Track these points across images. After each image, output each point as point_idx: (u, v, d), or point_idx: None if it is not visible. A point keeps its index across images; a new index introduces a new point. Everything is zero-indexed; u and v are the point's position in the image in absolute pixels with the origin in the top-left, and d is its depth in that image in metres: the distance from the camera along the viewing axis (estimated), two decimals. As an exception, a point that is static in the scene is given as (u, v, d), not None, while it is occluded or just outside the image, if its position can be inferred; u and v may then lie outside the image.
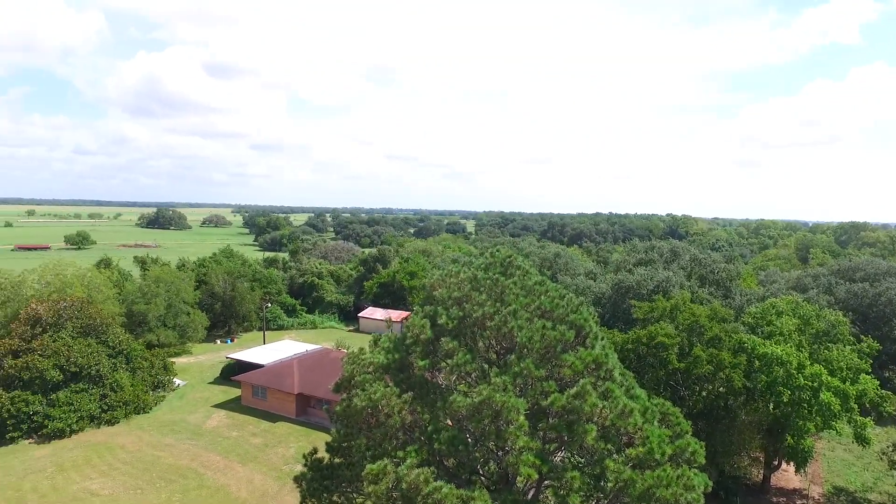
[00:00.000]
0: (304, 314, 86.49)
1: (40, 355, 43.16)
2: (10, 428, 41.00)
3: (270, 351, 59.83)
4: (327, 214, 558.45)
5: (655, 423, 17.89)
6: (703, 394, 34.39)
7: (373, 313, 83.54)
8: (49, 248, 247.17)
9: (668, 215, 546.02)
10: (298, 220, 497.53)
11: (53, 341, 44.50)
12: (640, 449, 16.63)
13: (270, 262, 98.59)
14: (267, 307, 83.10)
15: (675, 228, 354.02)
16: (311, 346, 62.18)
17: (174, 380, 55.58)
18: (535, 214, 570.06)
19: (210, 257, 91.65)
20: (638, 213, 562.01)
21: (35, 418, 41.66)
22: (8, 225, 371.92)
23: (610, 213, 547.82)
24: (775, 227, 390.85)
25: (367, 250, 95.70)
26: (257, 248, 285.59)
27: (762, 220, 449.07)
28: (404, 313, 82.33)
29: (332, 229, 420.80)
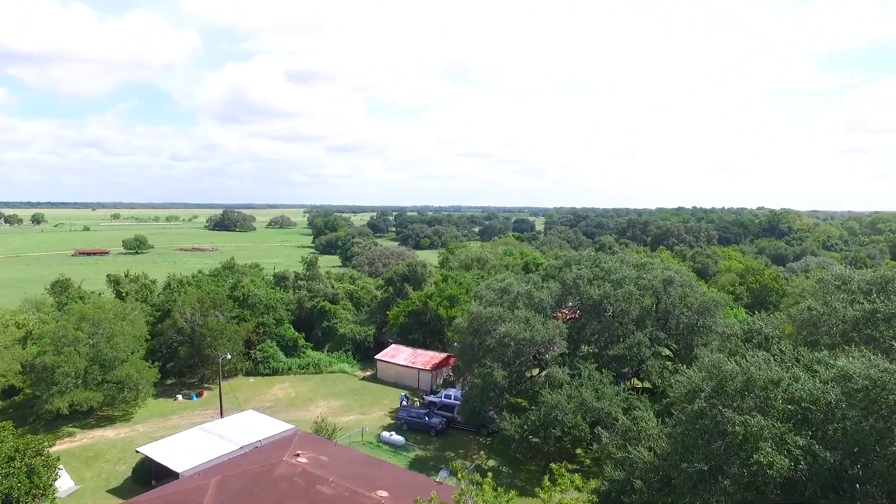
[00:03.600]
0: (308, 351, 65.52)
1: None
2: None
3: (211, 438, 38.68)
4: (392, 214, 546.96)
5: None
6: None
7: (394, 355, 61.14)
8: (108, 252, 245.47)
9: (759, 209, 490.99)
10: (364, 219, 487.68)
11: None
12: None
13: (280, 280, 78.70)
14: (246, 352, 62.81)
15: (776, 224, 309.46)
16: (278, 428, 40.64)
17: (59, 483, 35.34)
18: (611, 210, 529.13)
19: (193, 276, 72.70)
20: (726, 208, 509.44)
21: None
22: (86, 229, 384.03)
23: (694, 207, 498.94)
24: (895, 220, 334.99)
25: (394, 266, 73.06)
26: (314, 250, 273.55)
27: (877, 212, 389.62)
28: (438, 356, 59.40)
29: (393, 229, 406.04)
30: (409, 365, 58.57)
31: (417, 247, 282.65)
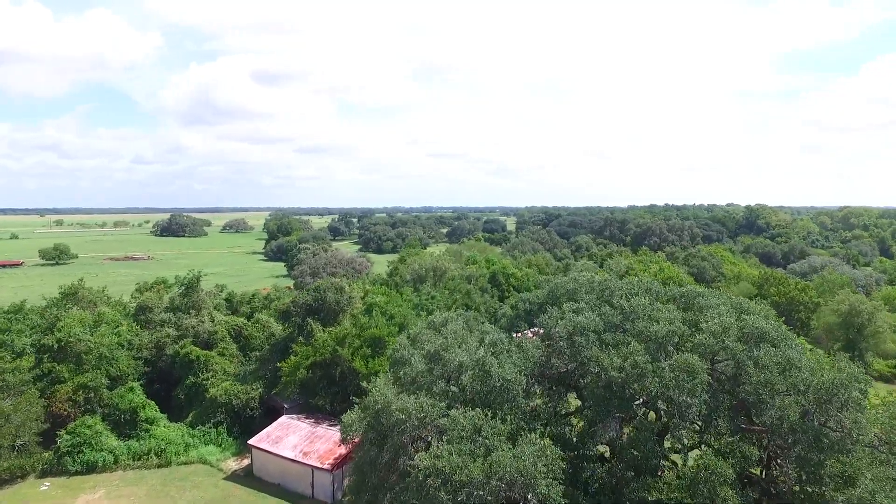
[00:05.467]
0: (156, 428, 42.44)
1: None
2: None
3: None
4: (356, 216, 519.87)
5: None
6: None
7: (281, 437, 38.59)
8: (21, 264, 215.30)
9: (728, 205, 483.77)
10: (327, 222, 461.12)
11: None
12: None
13: (141, 310, 55.13)
14: (55, 434, 39.82)
15: (753, 220, 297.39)
16: None
17: None
18: (582, 209, 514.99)
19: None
20: (697, 204, 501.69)
21: None
22: (13, 237, 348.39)
23: (666, 204, 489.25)
24: (869, 214, 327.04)
25: (299, 293, 50.30)
26: (263, 257, 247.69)
27: (847, 206, 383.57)
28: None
29: (357, 233, 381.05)
30: (300, 460, 36.10)
31: (379, 251, 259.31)
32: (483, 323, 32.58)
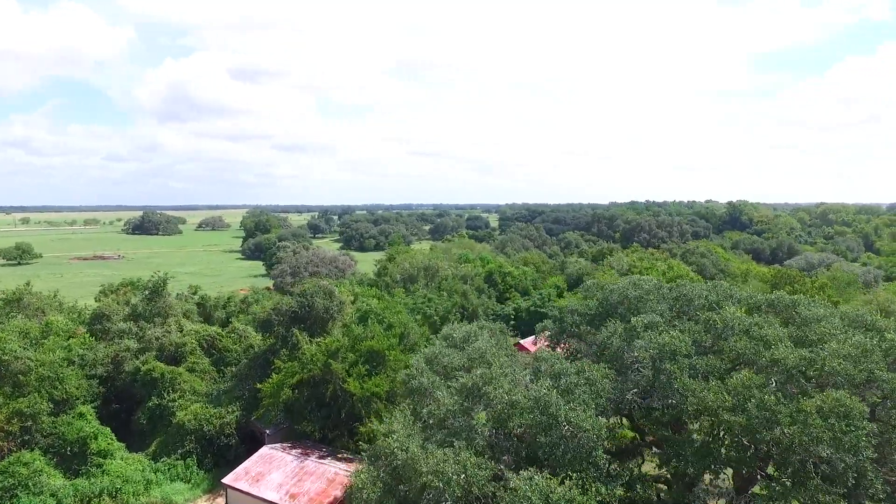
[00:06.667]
0: (111, 461, 35.43)
1: None
2: None
3: None
4: (337, 214, 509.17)
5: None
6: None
7: (262, 475, 31.98)
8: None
9: (707, 202, 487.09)
10: (307, 219, 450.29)
11: None
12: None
13: (98, 318, 47.71)
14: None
15: (737, 217, 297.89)
16: None
17: None
18: (564, 205, 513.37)
19: None
20: (677, 201, 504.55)
21: None
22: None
23: (647, 201, 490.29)
24: (846, 211, 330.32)
25: (282, 299, 43.12)
26: (240, 256, 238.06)
27: (824, 203, 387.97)
28: (344, 479, 30.63)
29: (337, 230, 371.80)
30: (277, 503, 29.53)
31: (361, 248, 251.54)
32: (511, 336, 26.51)
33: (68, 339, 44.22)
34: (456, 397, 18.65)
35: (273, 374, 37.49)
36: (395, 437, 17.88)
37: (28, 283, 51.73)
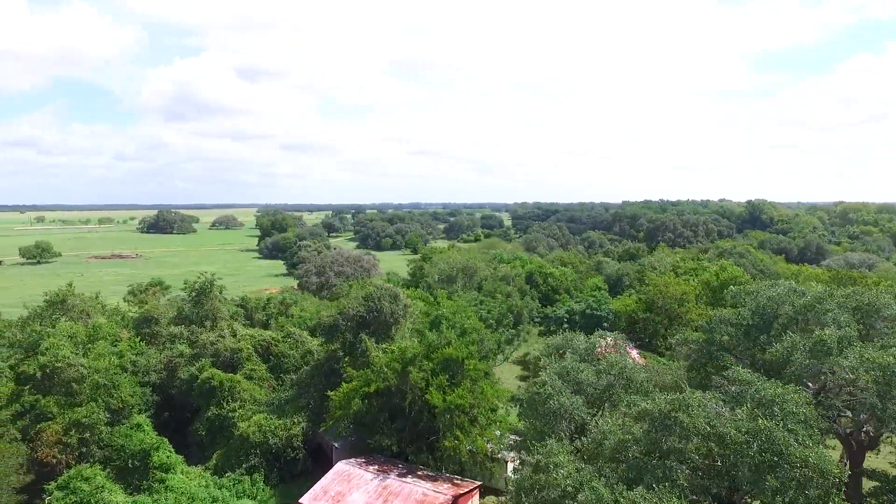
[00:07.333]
0: (173, 475, 33.11)
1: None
2: None
3: None
4: (349, 213, 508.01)
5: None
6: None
7: (342, 495, 29.59)
8: (0, 262, 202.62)
9: (721, 201, 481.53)
10: (319, 219, 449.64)
11: None
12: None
13: (146, 321, 45.44)
14: (38, 488, 30.47)
15: (757, 216, 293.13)
16: None
17: None
18: (576, 204, 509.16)
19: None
20: (690, 200, 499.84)
21: None
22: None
23: (661, 200, 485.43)
24: (867, 210, 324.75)
25: (347, 301, 40.40)
26: (257, 255, 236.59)
27: (842, 202, 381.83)
28: (437, 497, 28.16)
29: (351, 229, 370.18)
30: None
31: (378, 248, 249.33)
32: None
33: (115, 344, 42.07)
34: (642, 425, 15.98)
35: (343, 383, 35.03)
36: (561, 471, 15.27)
37: (70, 284, 49.61)
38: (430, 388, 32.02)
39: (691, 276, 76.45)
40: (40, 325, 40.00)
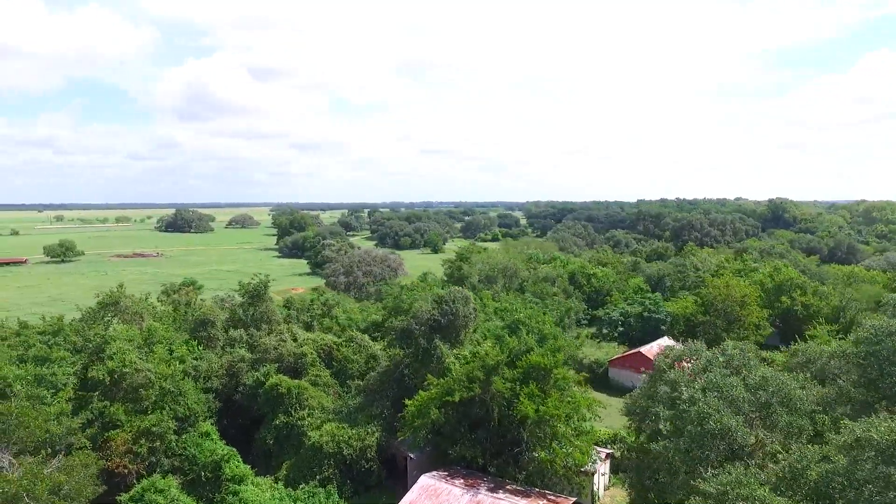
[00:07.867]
0: (245, 487, 31.67)
1: None
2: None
3: None
4: (365, 211, 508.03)
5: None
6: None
7: (433, 512, 27.77)
8: (25, 261, 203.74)
9: (737, 199, 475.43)
10: (334, 217, 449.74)
11: None
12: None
13: (202, 325, 44.07)
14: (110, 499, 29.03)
15: (780, 215, 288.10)
16: None
17: None
18: (590, 203, 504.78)
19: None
20: (707, 199, 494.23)
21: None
22: (14, 233, 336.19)
23: (678, 198, 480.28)
24: (891, 208, 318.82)
25: (420, 304, 38.65)
26: (276, 254, 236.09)
27: (865, 200, 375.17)
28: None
29: (367, 227, 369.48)
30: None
31: (397, 247, 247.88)
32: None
33: (171, 349, 40.75)
34: (858, 455, 14.12)
35: (419, 392, 33.35)
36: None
37: (121, 285, 48.42)
38: (521, 398, 30.25)
39: (742, 277, 73.92)
40: (103, 329, 38.68)
